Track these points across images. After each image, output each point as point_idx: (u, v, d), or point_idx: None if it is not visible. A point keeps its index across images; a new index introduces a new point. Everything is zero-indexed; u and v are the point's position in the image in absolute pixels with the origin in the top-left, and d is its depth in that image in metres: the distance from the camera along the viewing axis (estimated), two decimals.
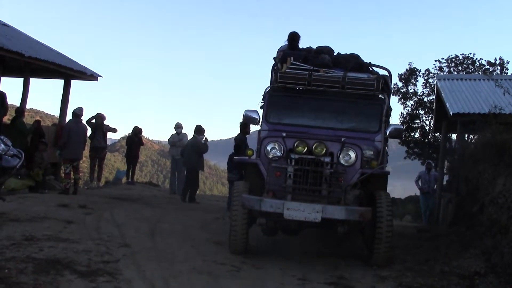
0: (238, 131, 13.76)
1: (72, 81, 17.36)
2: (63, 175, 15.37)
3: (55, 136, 16.13)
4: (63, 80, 17.30)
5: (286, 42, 10.27)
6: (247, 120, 9.27)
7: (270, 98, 9.34)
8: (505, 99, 10.83)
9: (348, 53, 9.70)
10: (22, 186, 13.41)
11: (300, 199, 7.92)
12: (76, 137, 14.34)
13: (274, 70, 9.51)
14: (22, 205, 10.79)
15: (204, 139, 15.74)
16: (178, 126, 17.80)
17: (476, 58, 22.83)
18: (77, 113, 14.74)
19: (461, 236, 10.08)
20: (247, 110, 9.22)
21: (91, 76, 17.34)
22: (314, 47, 9.93)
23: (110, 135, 17.81)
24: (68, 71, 16.34)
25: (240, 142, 14.05)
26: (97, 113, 16.86)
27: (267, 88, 9.54)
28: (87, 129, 15.36)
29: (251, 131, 14.28)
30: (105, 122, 17.01)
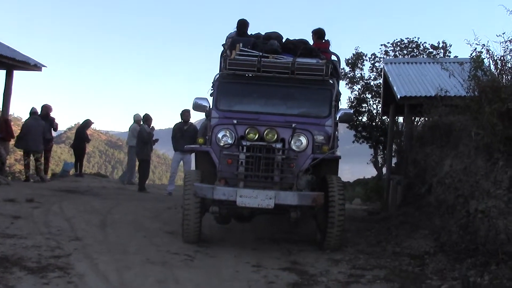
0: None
1: (14, 71, 16.94)
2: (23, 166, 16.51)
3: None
4: (5, 71, 16.87)
5: (235, 29, 10.26)
6: (197, 108, 9.21)
7: (220, 85, 9.31)
8: (451, 82, 11.04)
9: (297, 38, 9.72)
10: None
11: (252, 186, 7.95)
12: (35, 132, 15.34)
13: (223, 57, 9.49)
14: None
15: (150, 127, 15.64)
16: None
17: (420, 42, 23.18)
18: (34, 111, 15.92)
19: (411, 217, 10.29)
20: (196, 98, 9.17)
21: (34, 66, 16.92)
22: (263, 34, 9.94)
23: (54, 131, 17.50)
24: (10, 61, 15.89)
25: (174, 131, 14.27)
26: (44, 104, 16.53)
27: (216, 75, 9.51)
28: (44, 124, 15.90)
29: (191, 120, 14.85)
30: (52, 115, 16.71)
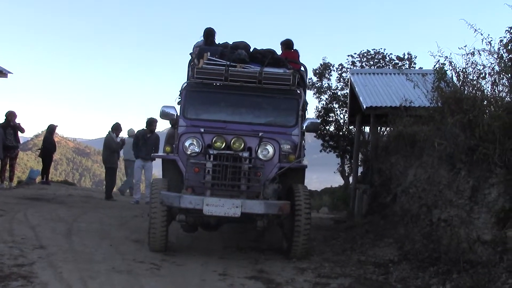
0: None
1: None
2: None
3: None
4: None
5: (202, 38, 10.28)
6: (164, 116, 9.17)
7: (188, 94, 9.29)
8: (415, 93, 11.18)
9: (264, 48, 9.76)
10: None
11: (219, 195, 7.94)
12: None
13: (191, 65, 9.49)
14: None
15: (119, 139, 15.54)
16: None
17: (387, 53, 23.45)
18: None
19: (376, 226, 10.39)
20: (164, 106, 9.14)
21: (0, 72, 16.69)
22: (231, 43, 9.96)
23: (23, 134, 17.22)
24: None
25: (137, 138, 14.27)
26: (8, 111, 16.28)
27: (184, 83, 9.50)
28: (1, 132, 15.59)
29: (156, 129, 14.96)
30: (17, 121, 16.44)
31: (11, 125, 16.01)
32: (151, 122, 14.53)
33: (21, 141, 18.28)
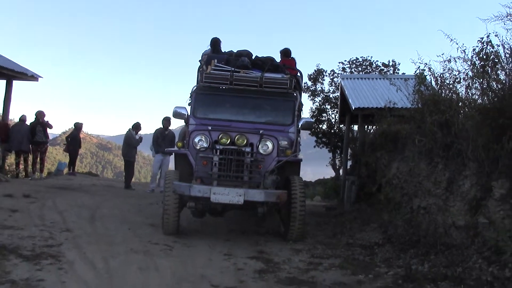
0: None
1: (14, 81, 16.73)
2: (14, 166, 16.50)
3: None
4: (5, 81, 16.66)
5: (209, 47, 10.29)
6: (176, 116, 9.17)
7: (197, 96, 9.29)
8: (398, 95, 11.15)
9: (265, 56, 9.76)
10: None
11: (224, 185, 7.98)
12: (19, 135, 15.46)
13: (200, 71, 9.51)
14: None
15: (138, 137, 15.50)
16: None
17: (373, 60, 23.42)
18: (22, 118, 16.12)
19: (363, 213, 10.40)
20: (176, 107, 9.14)
21: (31, 77, 16.73)
22: (235, 51, 9.96)
23: (51, 130, 17.20)
24: (10, 72, 15.70)
25: (156, 135, 14.28)
26: (38, 111, 16.30)
27: (194, 87, 9.51)
28: (28, 128, 15.82)
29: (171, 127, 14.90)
30: (45, 119, 16.44)
31: (40, 122, 16.01)
32: (166, 120, 14.55)
33: (50, 137, 18.25)
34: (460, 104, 7.95)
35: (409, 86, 9.89)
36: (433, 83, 9.10)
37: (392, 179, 9.52)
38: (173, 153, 9.38)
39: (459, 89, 8.40)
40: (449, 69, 8.56)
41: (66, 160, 19.73)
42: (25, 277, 5.35)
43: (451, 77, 8.56)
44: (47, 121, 16.32)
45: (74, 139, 18.28)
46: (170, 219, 8.11)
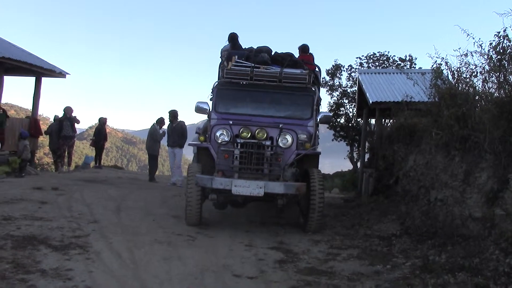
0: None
1: (42, 78, 16.94)
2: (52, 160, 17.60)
3: (29, 127, 15.81)
4: (34, 78, 16.86)
5: (228, 42, 10.28)
6: (198, 111, 9.17)
7: (218, 91, 9.28)
8: (415, 89, 11.03)
9: (284, 52, 9.72)
10: (0, 172, 12.97)
11: (245, 177, 7.98)
12: (54, 135, 16.20)
13: (221, 67, 9.47)
14: (0, 189, 10.43)
15: (162, 131, 15.54)
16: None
17: (390, 55, 23.18)
18: (56, 118, 16.74)
19: (380, 205, 10.33)
20: (198, 102, 9.14)
21: (60, 73, 16.90)
22: (255, 47, 9.93)
23: (78, 125, 17.38)
24: (39, 70, 15.90)
25: (167, 129, 14.53)
26: (66, 106, 16.47)
27: (215, 82, 9.49)
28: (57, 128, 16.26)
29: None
30: (73, 114, 16.61)
31: (68, 117, 16.18)
32: (172, 114, 14.51)
33: (77, 132, 18.45)
34: (476, 97, 7.85)
35: (426, 80, 9.78)
36: (450, 77, 8.98)
37: (409, 172, 9.45)
38: (194, 146, 9.38)
39: (476, 83, 8.30)
40: (465, 63, 8.44)
41: (93, 154, 19.94)
42: (54, 266, 5.42)
43: (467, 71, 8.44)
44: (75, 116, 16.49)
45: (99, 134, 18.44)
46: (192, 210, 8.15)
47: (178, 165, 14.59)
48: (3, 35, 34.40)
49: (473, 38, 7.97)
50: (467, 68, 8.45)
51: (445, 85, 8.85)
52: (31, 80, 17.07)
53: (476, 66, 8.24)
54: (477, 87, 8.18)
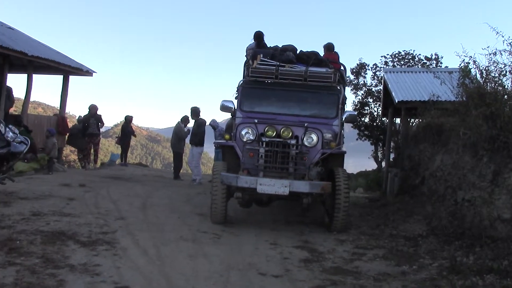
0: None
1: (70, 76, 17.17)
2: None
3: (57, 124, 16.05)
4: (62, 76, 17.12)
5: (253, 41, 10.28)
6: (224, 109, 9.20)
7: (243, 90, 9.30)
8: (442, 89, 10.91)
9: (309, 50, 9.68)
10: (29, 168, 13.19)
11: (270, 176, 7.96)
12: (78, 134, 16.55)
13: (246, 66, 9.49)
14: (30, 185, 10.60)
15: (187, 129, 15.61)
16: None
17: (416, 54, 22.93)
18: (79, 119, 17.17)
19: (406, 205, 10.22)
20: (223, 101, 9.17)
21: (86, 72, 17.13)
22: (280, 46, 9.91)
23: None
24: (66, 68, 16.14)
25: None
26: (91, 104, 16.66)
27: (240, 81, 9.53)
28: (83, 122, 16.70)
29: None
30: (98, 112, 16.80)
31: (93, 115, 16.37)
32: (193, 111, 14.58)
33: (103, 130, 18.66)
34: (506, 97, 7.72)
35: (453, 79, 9.65)
36: (478, 76, 8.84)
37: (435, 172, 9.33)
38: (219, 145, 9.38)
39: (505, 82, 8.16)
40: (494, 62, 8.31)
41: (118, 152, 20.13)
42: (82, 262, 5.48)
43: (496, 70, 8.31)
44: (100, 116, 16.67)
45: (124, 131, 18.62)
46: (218, 208, 8.17)
47: (194, 163, 14.65)
48: (32, 34, 34.99)
49: (503, 37, 7.86)
50: (496, 67, 8.33)
51: (473, 84, 8.72)
52: (59, 78, 17.34)
53: (505, 65, 8.13)
54: (506, 86, 8.06)
